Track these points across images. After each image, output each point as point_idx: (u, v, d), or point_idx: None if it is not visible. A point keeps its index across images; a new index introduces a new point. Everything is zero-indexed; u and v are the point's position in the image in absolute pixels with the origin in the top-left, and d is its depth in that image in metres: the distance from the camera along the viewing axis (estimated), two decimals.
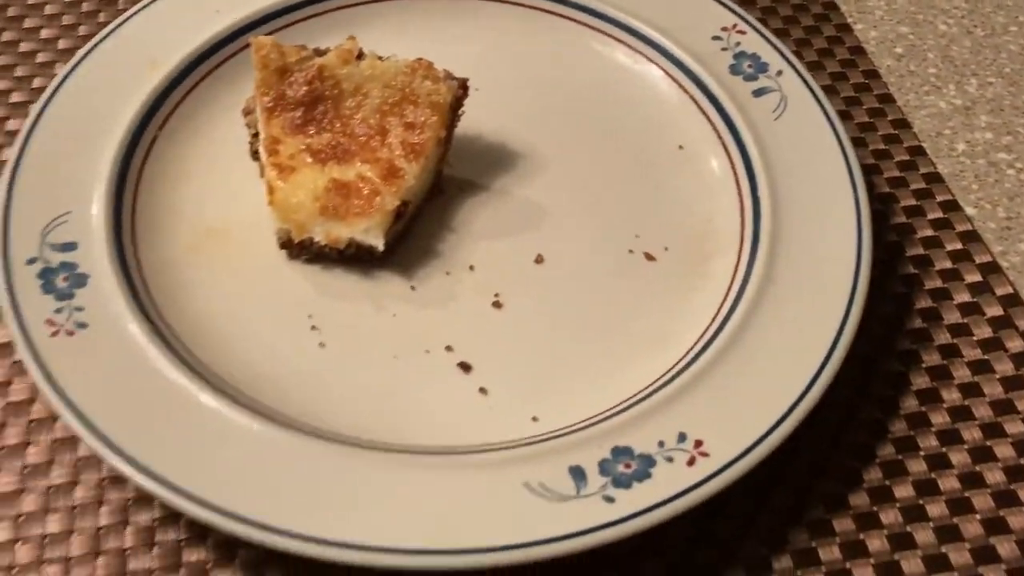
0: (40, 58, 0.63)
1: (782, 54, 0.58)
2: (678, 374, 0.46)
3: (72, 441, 0.47)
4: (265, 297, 0.50)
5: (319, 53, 0.53)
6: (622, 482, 0.41)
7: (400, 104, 0.51)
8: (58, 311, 0.45)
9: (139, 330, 0.45)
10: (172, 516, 0.45)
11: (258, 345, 0.48)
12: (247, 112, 0.54)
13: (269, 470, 0.41)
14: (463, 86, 0.52)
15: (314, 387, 0.47)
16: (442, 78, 0.52)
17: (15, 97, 0.60)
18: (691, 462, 0.42)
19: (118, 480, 0.46)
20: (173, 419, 0.43)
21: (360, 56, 0.52)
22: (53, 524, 0.44)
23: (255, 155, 0.55)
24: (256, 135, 0.54)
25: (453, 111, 0.52)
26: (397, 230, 0.51)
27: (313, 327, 0.49)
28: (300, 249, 0.51)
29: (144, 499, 0.45)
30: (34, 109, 0.53)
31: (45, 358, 0.44)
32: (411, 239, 0.53)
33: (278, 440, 0.42)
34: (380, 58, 0.52)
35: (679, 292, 0.51)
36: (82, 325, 0.45)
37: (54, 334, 0.45)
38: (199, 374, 0.45)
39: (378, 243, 0.49)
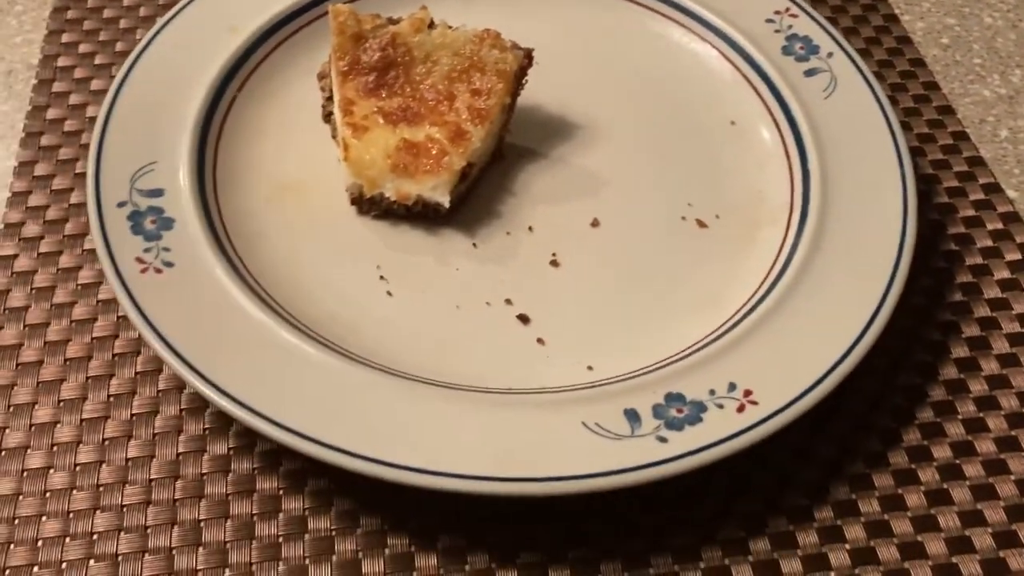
0: (122, 24, 0.66)
1: (833, 37, 0.60)
2: (729, 329, 0.48)
3: (153, 374, 0.50)
4: (336, 248, 0.53)
5: (392, 22, 0.56)
6: (675, 425, 0.44)
7: (468, 71, 0.54)
8: (147, 251, 0.48)
9: (222, 271, 0.48)
10: (247, 446, 0.47)
11: (330, 291, 0.51)
12: (322, 76, 0.57)
13: (344, 401, 0.44)
14: (528, 56, 0.55)
15: (382, 331, 0.49)
16: (509, 48, 0.54)
17: (99, 59, 0.64)
18: (741, 409, 0.44)
19: (195, 411, 0.48)
20: (254, 351, 0.45)
21: (431, 25, 0.55)
22: (134, 449, 0.47)
23: (327, 117, 0.58)
24: (330, 98, 0.57)
25: (518, 79, 0.55)
26: (461, 190, 0.54)
27: (381, 277, 0.52)
28: (370, 204, 0.54)
29: (220, 430, 0.48)
30: (122, 68, 0.56)
31: (135, 292, 0.47)
32: (474, 200, 0.56)
33: (353, 374, 0.45)
34: (450, 27, 0.55)
35: (730, 257, 0.53)
36: (169, 264, 0.48)
37: (143, 271, 0.48)
38: (277, 312, 0.47)
39: (444, 200, 0.52)
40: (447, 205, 0.52)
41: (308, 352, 0.45)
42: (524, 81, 0.56)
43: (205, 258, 0.48)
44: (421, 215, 0.54)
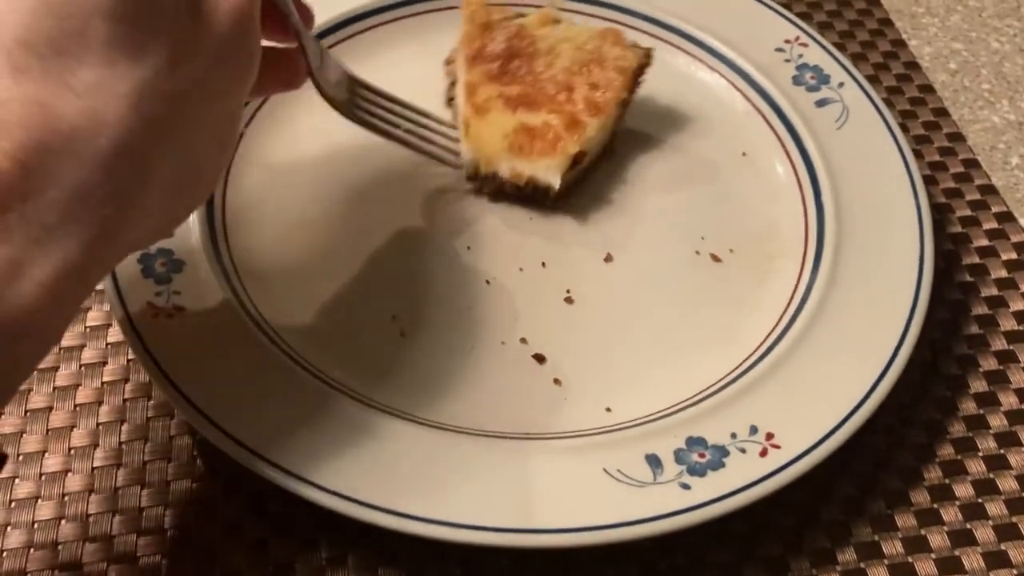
0: None
1: (844, 67, 0.60)
2: (747, 370, 0.47)
3: (164, 418, 0.49)
4: (348, 288, 0.52)
5: (520, 16, 0.58)
6: (697, 471, 0.43)
7: (588, 66, 0.56)
8: (158, 294, 0.48)
9: (232, 316, 0.47)
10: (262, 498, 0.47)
11: (342, 333, 0.50)
12: (448, 62, 0.59)
13: (359, 450, 0.43)
14: (648, 55, 0.57)
15: (395, 373, 0.48)
16: (629, 46, 0.56)
17: None
18: (763, 453, 0.44)
19: (207, 457, 0.48)
20: (266, 398, 0.45)
21: (557, 21, 0.57)
22: (147, 498, 0.47)
23: (449, 102, 0.59)
24: (453, 84, 0.59)
25: (635, 76, 0.57)
26: (573, 176, 0.55)
27: (393, 317, 0.51)
28: (483, 182, 0.55)
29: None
30: None
31: (147, 338, 0.46)
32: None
33: (369, 421, 0.44)
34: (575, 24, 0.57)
35: (745, 292, 0.53)
36: (179, 308, 0.47)
37: (155, 316, 0.47)
38: (288, 356, 0.47)
39: (555, 181, 0.53)
40: (557, 185, 0.53)
41: (321, 398, 0.45)
42: (641, 80, 0.57)
43: (215, 302, 0.48)
44: (531, 197, 0.55)
